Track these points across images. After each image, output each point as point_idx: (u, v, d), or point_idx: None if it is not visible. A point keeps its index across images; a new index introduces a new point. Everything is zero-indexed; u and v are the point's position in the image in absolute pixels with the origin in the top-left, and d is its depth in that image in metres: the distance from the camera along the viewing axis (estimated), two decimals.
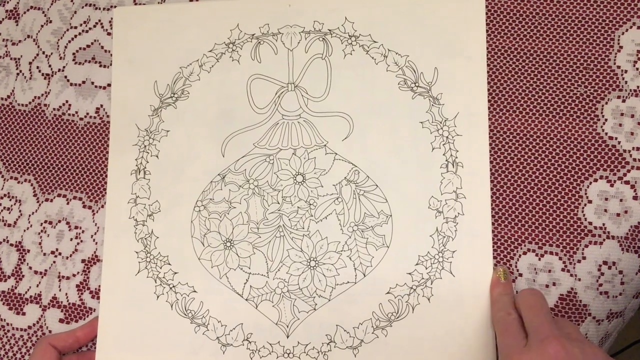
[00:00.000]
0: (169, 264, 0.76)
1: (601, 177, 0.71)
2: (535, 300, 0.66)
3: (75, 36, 0.85)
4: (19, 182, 0.83)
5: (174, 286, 0.75)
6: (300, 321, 0.73)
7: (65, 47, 0.85)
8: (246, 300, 0.74)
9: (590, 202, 0.71)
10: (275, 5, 0.79)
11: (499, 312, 0.68)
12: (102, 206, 0.80)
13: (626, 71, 0.73)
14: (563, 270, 0.70)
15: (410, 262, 0.72)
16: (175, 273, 0.75)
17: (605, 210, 0.71)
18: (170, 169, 0.77)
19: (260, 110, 0.77)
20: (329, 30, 0.77)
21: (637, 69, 0.73)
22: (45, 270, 0.80)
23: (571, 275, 0.70)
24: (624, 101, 0.72)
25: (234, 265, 0.74)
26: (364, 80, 0.76)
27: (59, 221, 0.81)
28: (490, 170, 0.72)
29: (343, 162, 0.74)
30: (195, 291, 0.75)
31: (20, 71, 0.86)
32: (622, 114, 0.72)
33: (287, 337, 0.72)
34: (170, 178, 0.77)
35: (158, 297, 0.75)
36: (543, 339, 0.60)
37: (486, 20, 0.76)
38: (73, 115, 0.83)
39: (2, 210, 0.83)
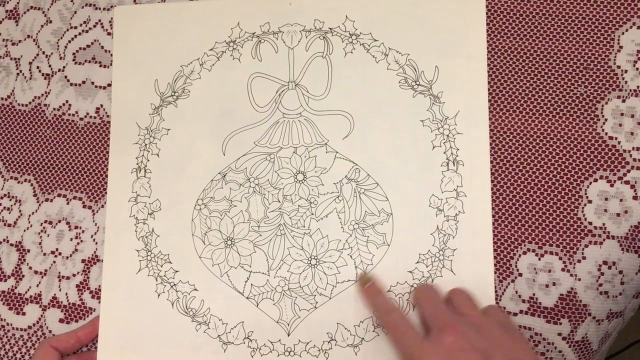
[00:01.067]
0: (170, 262, 0.76)
1: (601, 177, 0.71)
2: (426, 293, 0.68)
3: (75, 36, 0.85)
4: (19, 182, 0.83)
5: (174, 284, 0.75)
6: (301, 319, 0.73)
7: (65, 47, 0.85)
8: (247, 298, 0.74)
9: (590, 202, 0.71)
10: (275, 4, 0.79)
11: (381, 317, 0.70)
12: (102, 206, 0.80)
13: (626, 71, 0.73)
14: (563, 270, 0.70)
15: (411, 261, 0.72)
16: (176, 271, 0.75)
17: (605, 210, 0.71)
18: (170, 168, 0.77)
19: (261, 109, 0.77)
20: (330, 28, 0.78)
21: (637, 69, 0.73)
22: (45, 270, 0.80)
23: (571, 275, 0.70)
24: (624, 101, 0.72)
25: (234, 264, 0.74)
26: (365, 78, 0.76)
27: (59, 221, 0.81)
28: (490, 170, 0.72)
29: (344, 160, 0.74)
30: (196, 289, 0.75)
31: (21, 71, 0.86)
32: (622, 114, 0.72)
33: (288, 335, 0.72)
34: (171, 176, 0.77)
35: (159, 295, 0.75)
36: (440, 328, 0.62)
37: (486, 20, 0.76)
38: (73, 115, 0.83)
39: (2, 210, 0.83)
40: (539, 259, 0.71)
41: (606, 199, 0.71)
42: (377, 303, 0.70)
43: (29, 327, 0.79)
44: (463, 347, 0.60)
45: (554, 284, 0.70)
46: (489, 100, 0.74)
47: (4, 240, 0.82)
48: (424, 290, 0.69)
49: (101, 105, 0.82)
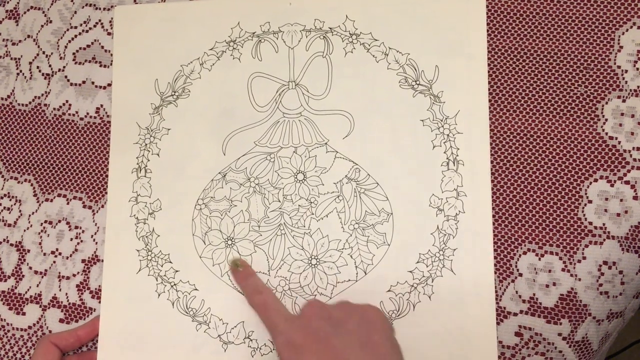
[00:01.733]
0: (170, 262, 0.76)
1: (601, 177, 0.71)
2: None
3: (76, 36, 0.85)
4: (19, 182, 0.83)
5: (175, 284, 0.75)
6: None
7: (66, 47, 0.85)
8: None
9: (590, 202, 0.71)
10: (276, 4, 0.79)
11: (250, 297, 0.72)
12: (102, 206, 0.80)
13: (626, 71, 0.73)
14: (563, 270, 0.70)
15: (411, 260, 0.72)
16: (177, 271, 0.75)
17: (606, 210, 0.71)
18: (171, 167, 0.77)
19: (261, 109, 0.77)
20: (330, 28, 0.78)
21: (637, 69, 0.73)
22: (45, 270, 0.80)
23: (571, 275, 0.70)
24: (624, 101, 0.72)
25: None
26: (365, 78, 0.76)
27: (59, 221, 0.81)
28: (490, 170, 0.73)
29: (344, 160, 0.74)
30: (196, 289, 0.75)
31: (21, 71, 0.86)
32: (622, 114, 0.72)
33: None
34: (171, 176, 0.77)
35: (159, 295, 0.75)
36: (304, 306, 0.66)
37: (486, 20, 0.76)
38: (73, 115, 0.83)
39: (2, 210, 0.83)
40: (539, 259, 0.71)
41: (606, 199, 0.71)
42: (248, 283, 0.72)
43: (29, 327, 0.79)
44: (318, 316, 0.64)
45: (554, 284, 0.70)
46: (489, 100, 0.74)
47: (4, 240, 0.82)
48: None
49: (101, 105, 0.82)
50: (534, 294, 0.70)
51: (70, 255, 0.80)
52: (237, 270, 0.73)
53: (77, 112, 0.83)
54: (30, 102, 0.85)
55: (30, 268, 0.81)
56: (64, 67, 0.85)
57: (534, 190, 0.72)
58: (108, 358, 0.75)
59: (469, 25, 0.75)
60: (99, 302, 0.77)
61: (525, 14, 0.76)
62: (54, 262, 0.80)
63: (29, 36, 0.87)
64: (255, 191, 0.75)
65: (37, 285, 0.80)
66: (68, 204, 0.81)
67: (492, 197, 0.72)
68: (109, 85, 0.82)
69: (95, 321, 0.76)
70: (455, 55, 0.75)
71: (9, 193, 0.83)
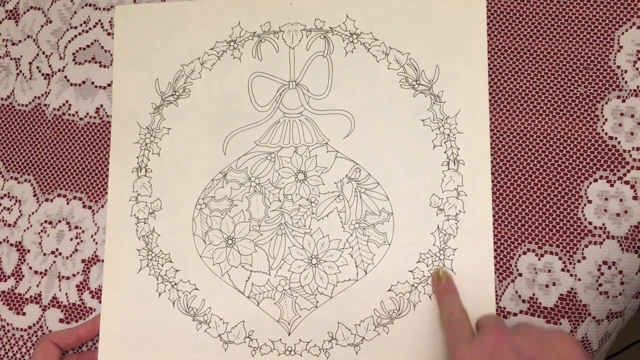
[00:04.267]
0: (171, 261, 0.76)
1: (601, 177, 0.71)
2: (492, 317, 0.67)
3: (75, 36, 0.85)
4: (19, 182, 0.83)
5: (175, 284, 0.75)
6: (302, 318, 0.73)
7: (65, 47, 0.85)
8: (248, 297, 0.74)
9: (590, 202, 0.71)
10: (276, 3, 0.79)
11: (444, 313, 0.69)
12: (102, 206, 0.80)
13: (626, 71, 0.73)
14: (563, 270, 0.70)
15: (412, 260, 0.72)
16: (177, 271, 0.75)
17: (605, 210, 0.71)
18: (171, 167, 0.78)
19: (262, 108, 0.77)
20: (330, 28, 0.78)
21: (637, 69, 0.73)
22: (45, 270, 0.80)
23: (571, 275, 0.70)
24: (624, 101, 0.72)
25: (235, 263, 0.74)
26: (365, 78, 0.76)
27: (59, 221, 0.81)
28: (490, 169, 0.73)
29: (344, 160, 0.75)
30: (197, 289, 0.75)
31: (20, 71, 0.86)
32: (622, 114, 0.72)
33: (289, 334, 0.73)
34: (172, 176, 0.77)
35: (160, 294, 0.75)
36: (487, 331, 0.62)
37: (487, 20, 0.76)
38: (73, 115, 0.83)
39: (2, 210, 0.83)
40: (539, 259, 0.71)
41: (606, 199, 0.71)
42: (445, 300, 0.70)
43: (29, 327, 0.79)
44: (505, 347, 0.59)
45: (553, 284, 0.70)
46: (489, 100, 0.74)
47: (4, 240, 0.82)
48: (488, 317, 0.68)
49: (101, 105, 0.82)
50: (533, 294, 0.70)
51: (70, 255, 0.80)
52: (439, 282, 0.72)
53: (77, 112, 0.83)
54: (30, 102, 0.85)
55: (30, 268, 0.81)
56: (64, 67, 0.85)
57: (534, 190, 0.72)
58: (109, 357, 0.75)
59: (469, 25, 0.75)
60: (99, 302, 0.77)
61: (525, 14, 0.76)
62: (54, 262, 0.80)
63: (28, 36, 0.87)
64: (255, 191, 0.75)
65: (37, 285, 0.80)
66: (68, 204, 0.81)
67: (492, 197, 0.72)
68: (109, 85, 0.83)
69: (95, 320, 0.76)
70: (456, 55, 0.75)
71: (9, 193, 0.83)
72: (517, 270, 0.71)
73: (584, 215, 0.71)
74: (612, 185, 0.71)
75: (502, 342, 0.60)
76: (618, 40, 0.74)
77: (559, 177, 0.72)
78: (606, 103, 0.73)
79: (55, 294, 0.79)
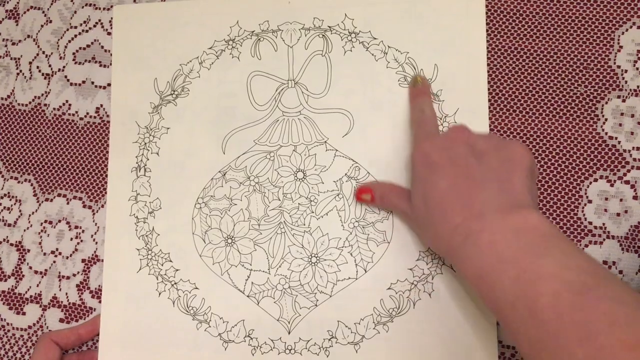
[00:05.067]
0: (171, 261, 0.76)
1: (601, 177, 0.71)
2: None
3: (75, 36, 0.85)
4: (19, 182, 0.83)
5: (175, 283, 0.75)
6: (302, 317, 0.73)
7: (65, 47, 0.85)
8: (248, 296, 0.74)
9: (590, 202, 0.71)
10: (274, 2, 0.79)
11: (415, 113, 0.72)
12: (102, 206, 0.80)
13: (626, 71, 0.73)
14: None
15: (411, 258, 0.72)
16: (177, 270, 0.75)
17: (605, 210, 0.71)
18: (170, 166, 0.78)
19: (261, 107, 0.77)
20: (329, 27, 0.78)
21: (637, 68, 0.73)
22: (45, 270, 0.80)
23: None
24: (624, 101, 0.72)
25: (235, 262, 0.74)
26: (364, 76, 0.76)
27: (59, 221, 0.81)
28: None
29: (343, 158, 0.75)
30: (197, 288, 0.75)
31: (20, 71, 0.86)
32: (622, 114, 0.72)
33: (289, 333, 0.72)
34: (171, 175, 0.77)
35: (160, 294, 0.75)
36: (451, 128, 0.65)
37: (486, 19, 0.76)
38: (73, 115, 0.83)
39: (2, 210, 0.83)
40: None
41: (606, 198, 0.71)
42: (417, 101, 0.72)
43: (29, 327, 0.79)
44: (461, 140, 0.63)
45: None
46: (489, 100, 0.74)
47: (4, 240, 0.82)
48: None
49: (101, 105, 0.82)
50: None
51: (70, 255, 0.80)
52: (415, 86, 0.74)
53: (77, 112, 0.83)
54: (30, 102, 0.85)
55: (30, 268, 0.81)
56: (64, 67, 0.85)
57: None
58: (109, 357, 0.75)
59: (469, 24, 0.75)
60: (99, 301, 0.77)
61: (525, 14, 0.76)
62: (54, 262, 0.80)
63: (28, 36, 0.87)
64: (255, 190, 0.75)
65: (37, 285, 0.80)
66: (68, 203, 0.81)
67: None
68: (109, 85, 0.83)
69: (96, 319, 0.76)
70: (455, 54, 0.75)
71: (9, 193, 0.83)
72: None
73: (584, 215, 0.71)
74: (612, 185, 0.71)
75: (460, 136, 0.63)
76: (618, 40, 0.74)
77: (559, 177, 0.72)
78: (606, 103, 0.73)
79: (55, 294, 0.79)
